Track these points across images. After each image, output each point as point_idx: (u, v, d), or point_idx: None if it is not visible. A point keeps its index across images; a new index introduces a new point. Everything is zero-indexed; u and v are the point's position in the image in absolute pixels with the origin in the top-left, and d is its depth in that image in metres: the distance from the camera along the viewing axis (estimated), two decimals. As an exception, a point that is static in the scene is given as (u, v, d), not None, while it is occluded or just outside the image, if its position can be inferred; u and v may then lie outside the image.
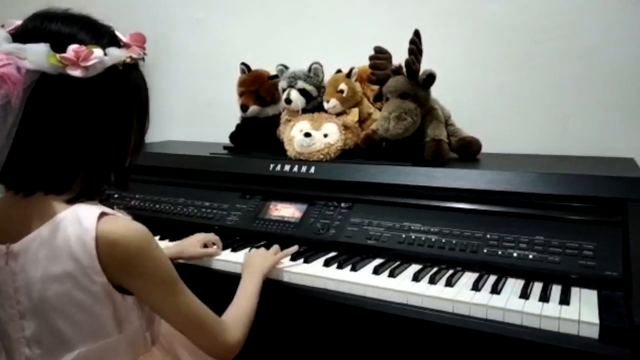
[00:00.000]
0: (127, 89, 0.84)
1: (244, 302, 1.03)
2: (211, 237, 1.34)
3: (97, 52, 0.78)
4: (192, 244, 1.30)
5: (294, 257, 1.26)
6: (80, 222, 0.78)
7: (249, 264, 1.17)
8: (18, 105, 0.74)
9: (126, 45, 0.85)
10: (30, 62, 0.74)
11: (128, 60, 0.82)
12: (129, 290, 0.82)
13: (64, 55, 0.75)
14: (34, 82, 0.75)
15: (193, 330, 0.88)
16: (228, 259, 1.29)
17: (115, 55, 0.81)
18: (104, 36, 0.82)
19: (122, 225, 0.80)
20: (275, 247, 1.26)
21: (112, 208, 0.83)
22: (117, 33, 0.86)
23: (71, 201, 0.81)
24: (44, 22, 0.79)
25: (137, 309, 0.85)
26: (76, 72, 0.76)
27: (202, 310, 0.88)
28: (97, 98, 0.80)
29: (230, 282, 1.24)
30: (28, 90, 0.75)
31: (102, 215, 0.79)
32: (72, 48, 0.75)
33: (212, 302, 0.94)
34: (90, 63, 0.76)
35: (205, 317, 0.89)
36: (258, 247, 1.33)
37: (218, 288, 1.20)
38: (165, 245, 1.34)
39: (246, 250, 1.33)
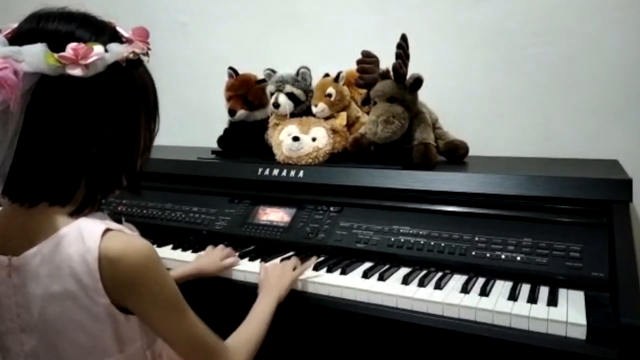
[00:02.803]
0: (132, 87, 0.80)
1: (253, 327, 0.98)
2: (228, 251, 1.30)
3: (97, 48, 0.74)
4: (213, 261, 1.25)
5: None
6: (83, 239, 0.74)
7: (266, 282, 1.12)
8: (18, 111, 0.70)
9: (128, 41, 0.80)
10: (27, 65, 0.70)
11: (131, 55, 0.78)
12: (131, 310, 0.78)
13: (62, 54, 0.71)
14: (34, 85, 0.72)
15: (195, 355, 0.83)
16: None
17: (117, 51, 0.76)
18: (105, 33, 0.78)
19: (127, 243, 0.75)
20: (294, 260, 1.20)
21: (121, 222, 0.79)
22: (119, 29, 0.82)
23: (75, 213, 0.77)
24: (40, 22, 0.76)
25: (140, 329, 0.81)
26: (76, 71, 0.72)
27: (205, 335, 0.84)
28: (101, 98, 0.76)
29: (221, 288, 1.24)
30: (28, 94, 0.71)
31: (106, 231, 0.75)
32: (71, 46, 0.72)
33: (203, 306, 0.93)
34: (90, 61, 0.72)
35: (208, 342, 0.84)
36: (247, 252, 1.33)
37: (208, 293, 1.19)
38: (181, 261, 1.31)
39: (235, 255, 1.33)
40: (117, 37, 0.80)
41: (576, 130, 1.60)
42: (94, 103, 0.76)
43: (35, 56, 0.71)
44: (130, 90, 0.80)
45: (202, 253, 1.32)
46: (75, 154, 0.75)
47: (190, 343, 0.82)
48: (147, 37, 0.83)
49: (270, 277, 1.14)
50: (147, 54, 0.83)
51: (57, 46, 0.72)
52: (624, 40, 1.52)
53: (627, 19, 1.51)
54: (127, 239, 0.77)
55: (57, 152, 0.75)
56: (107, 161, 0.79)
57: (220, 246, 1.33)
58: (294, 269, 1.17)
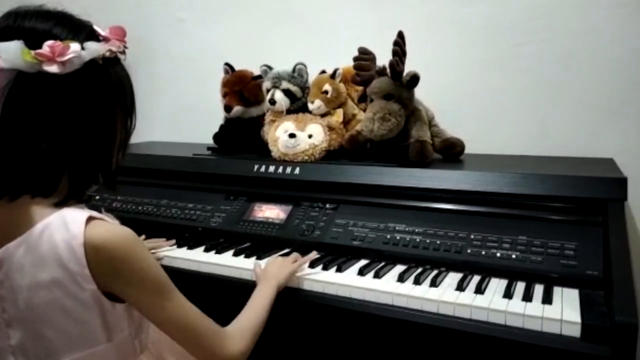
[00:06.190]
0: (108, 84, 0.81)
1: (252, 313, 0.98)
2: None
3: (74, 46, 0.75)
4: None
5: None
6: (67, 227, 0.75)
7: (265, 272, 1.13)
8: None
9: (105, 40, 0.81)
10: (4, 61, 0.71)
11: (107, 54, 0.79)
12: (120, 297, 0.80)
13: (39, 51, 0.73)
14: (10, 81, 0.73)
15: (188, 339, 0.83)
16: (212, 261, 1.28)
17: (94, 49, 0.78)
18: (81, 31, 0.80)
19: (111, 229, 0.77)
20: (295, 254, 1.22)
21: (100, 211, 0.81)
22: (96, 27, 0.83)
23: (59, 204, 0.78)
24: (17, 20, 0.76)
25: (127, 317, 0.82)
26: (52, 68, 0.73)
27: (197, 318, 0.84)
28: (77, 94, 0.77)
29: (216, 284, 1.24)
30: (4, 90, 0.73)
31: (90, 219, 0.76)
32: (47, 44, 0.73)
33: (198, 305, 0.93)
34: (66, 58, 0.74)
35: (201, 325, 0.84)
36: (243, 249, 1.33)
37: (204, 291, 1.19)
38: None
39: (230, 252, 1.33)
40: (94, 36, 0.81)
41: (572, 128, 1.61)
42: (70, 99, 0.77)
43: (11, 53, 0.72)
44: (106, 88, 0.81)
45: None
46: (53, 149, 0.77)
47: (182, 326, 0.82)
48: (123, 35, 0.84)
49: (270, 267, 1.15)
50: (123, 52, 0.84)
51: (34, 43, 0.73)
52: (621, 38, 1.52)
53: (624, 17, 1.51)
54: (111, 226, 0.79)
55: (34, 146, 0.76)
56: (84, 156, 0.80)
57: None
58: (295, 261, 1.18)
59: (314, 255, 1.23)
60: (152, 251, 1.32)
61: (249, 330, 0.92)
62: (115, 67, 0.83)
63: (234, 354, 0.86)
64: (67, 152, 0.78)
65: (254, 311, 0.99)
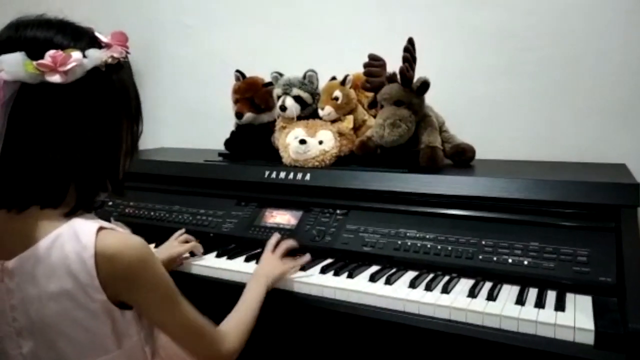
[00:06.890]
0: (111, 91, 0.81)
1: (243, 311, 1.02)
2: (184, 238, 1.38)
3: (75, 55, 0.75)
4: (172, 246, 1.33)
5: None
6: (78, 238, 0.75)
7: (257, 269, 1.17)
8: (0, 119, 0.72)
9: (107, 46, 0.81)
10: (6, 73, 0.72)
11: (110, 60, 0.79)
12: (128, 304, 0.81)
13: (40, 61, 0.73)
14: (15, 93, 0.73)
15: (190, 341, 0.87)
16: (224, 267, 1.28)
17: (96, 56, 0.78)
18: (83, 38, 0.79)
19: (122, 240, 0.78)
20: (291, 258, 1.24)
21: (109, 220, 0.81)
22: (97, 34, 0.82)
23: (69, 214, 0.78)
24: (18, 30, 0.77)
25: (136, 324, 0.83)
26: (55, 78, 0.73)
27: (199, 321, 0.87)
28: (81, 103, 0.77)
29: (227, 290, 1.24)
30: (9, 102, 0.73)
31: (100, 229, 0.76)
32: (49, 54, 0.73)
33: (210, 311, 0.93)
34: (68, 67, 0.74)
35: (203, 328, 0.88)
36: (254, 255, 1.34)
37: (215, 296, 1.20)
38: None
39: (242, 257, 1.33)
40: (95, 43, 0.81)
41: (583, 133, 1.60)
42: (74, 108, 0.77)
43: (14, 65, 0.72)
44: (109, 95, 0.81)
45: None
46: (59, 158, 0.77)
47: (186, 330, 0.86)
48: (125, 41, 0.84)
49: (263, 266, 1.18)
50: (125, 58, 0.84)
51: (35, 53, 0.74)
52: (630, 42, 1.51)
53: (633, 21, 1.51)
54: (122, 236, 0.79)
55: (40, 157, 0.76)
56: (91, 165, 0.80)
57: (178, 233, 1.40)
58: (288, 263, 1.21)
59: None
60: (186, 259, 1.35)
61: (242, 330, 0.98)
62: (119, 73, 0.83)
63: (229, 353, 0.93)
64: (73, 161, 0.78)
65: (246, 310, 1.03)
